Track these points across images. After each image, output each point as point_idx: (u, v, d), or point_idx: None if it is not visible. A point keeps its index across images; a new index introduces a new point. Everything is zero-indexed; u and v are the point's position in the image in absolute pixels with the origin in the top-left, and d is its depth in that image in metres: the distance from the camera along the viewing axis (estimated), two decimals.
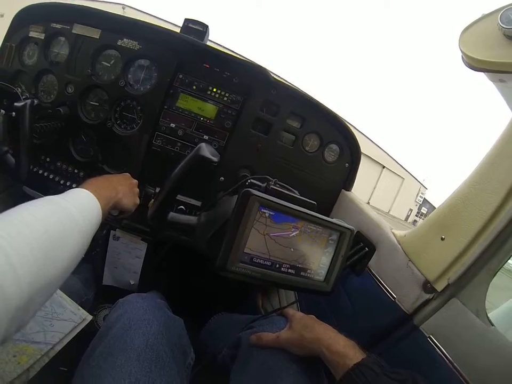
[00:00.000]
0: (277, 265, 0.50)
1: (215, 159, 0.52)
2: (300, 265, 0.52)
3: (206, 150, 0.52)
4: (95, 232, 0.49)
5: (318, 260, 0.54)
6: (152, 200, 0.69)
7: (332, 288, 0.56)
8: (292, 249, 0.50)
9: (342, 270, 0.78)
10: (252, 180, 0.58)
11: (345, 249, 0.55)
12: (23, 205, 0.39)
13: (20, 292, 0.31)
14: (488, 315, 0.59)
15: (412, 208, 31.36)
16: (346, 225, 0.55)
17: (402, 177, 25.06)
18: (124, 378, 0.44)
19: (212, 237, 0.52)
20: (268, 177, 0.64)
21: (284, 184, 0.62)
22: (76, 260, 0.42)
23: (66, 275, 0.41)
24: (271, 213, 0.47)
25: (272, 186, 0.54)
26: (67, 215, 0.41)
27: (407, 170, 25.48)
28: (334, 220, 0.54)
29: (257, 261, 0.49)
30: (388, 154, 22.19)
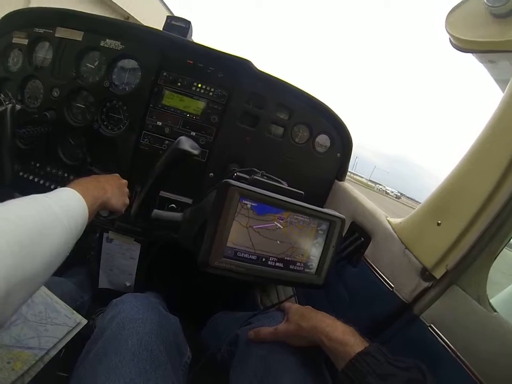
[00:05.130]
0: (263, 259, 0.48)
1: (195, 152, 0.50)
2: (288, 258, 0.50)
3: (186, 143, 0.50)
4: (82, 231, 0.48)
5: (308, 251, 0.52)
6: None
7: (324, 281, 0.54)
8: (279, 242, 0.49)
9: (336, 261, 0.76)
10: (238, 173, 0.56)
11: (336, 239, 0.53)
12: (3, 203, 0.38)
13: None
14: (490, 300, 0.57)
15: None
16: (336, 214, 0.53)
17: None
18: (119, 379, 0.44)
19: (197, 232, 0.51)
20: (255, 169, 0.62)
21: (271, 176, 0.60)
22: (58, 256, 0.41)
23: (49, 271, 0.40)
24: (253, 204, 0.45)
25: (256, 177, 0.52)
26: (47, 211, 0.41)
27: None
28: (323, 209, 0.52)
29: (242, 255, 0.47)
30: None
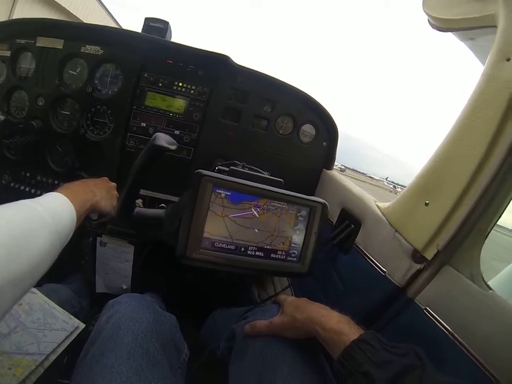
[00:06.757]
0: (242, 249, 0.48)
1: (171, 147, 0.49)
2: (268, 247, 0.50)
3: (161, 139, 0.49)
4: (70, 234, 0.48)
5: (288, 239, 0.51)
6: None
7: (309, 269, 0.53)
8: (257, 230, 0.48)
9: (328, 250, 0.75)
10: (220, 166, 0.56)
11: (318, 225, 0.52)
12: None
13: None
14: (489, 282, 0.56)
15: None
16: (316, 199, 0.52)
17: None
18: (115, 378, 0.44)
19: (178, 227, 0.50)
20: (236, 161, 0.62)
21: (252, 166, 0.60)
22: (46, 259, 0.42)
23: (36, 273, 0.41)
24: (227, 193, 0.45)
25: (234, 167, 0.51)
26: (34, 214, 0.41)
27: None
28: (301, 195, 0.51)
29: (220, 246, 0.46)
30: None
